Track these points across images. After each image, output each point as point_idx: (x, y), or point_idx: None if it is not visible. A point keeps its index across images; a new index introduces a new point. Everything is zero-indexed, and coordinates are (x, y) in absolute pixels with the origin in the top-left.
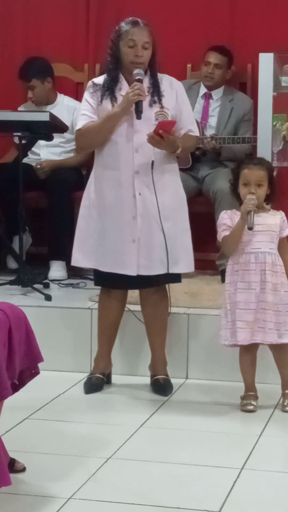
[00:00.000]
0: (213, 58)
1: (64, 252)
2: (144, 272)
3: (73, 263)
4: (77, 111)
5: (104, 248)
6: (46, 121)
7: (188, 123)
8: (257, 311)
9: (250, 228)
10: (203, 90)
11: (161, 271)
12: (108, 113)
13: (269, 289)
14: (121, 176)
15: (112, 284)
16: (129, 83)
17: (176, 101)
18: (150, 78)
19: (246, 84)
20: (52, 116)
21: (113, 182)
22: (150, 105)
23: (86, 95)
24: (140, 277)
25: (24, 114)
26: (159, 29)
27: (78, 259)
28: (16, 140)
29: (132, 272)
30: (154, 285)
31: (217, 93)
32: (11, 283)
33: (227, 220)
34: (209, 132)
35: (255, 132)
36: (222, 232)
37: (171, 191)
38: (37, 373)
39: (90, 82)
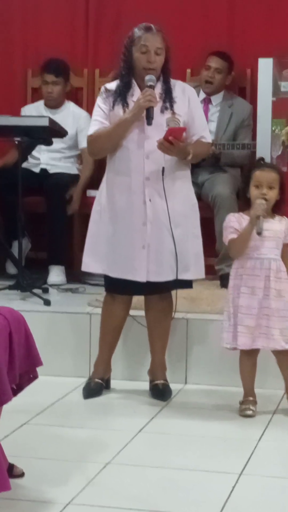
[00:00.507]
0: (214, 62)
1: (63, 257)
2: (154, 278)
3: (84, 268)
4: (82, 119)
5: (114, 254)
6: (45, 126)
7: (200, 129)
8: (259, 316)
9: (259, 233)
10: (202, 95)
11: (171, 277)
12: (119, 119)
13: (273, 296)
14: (132, 182)
15: (122, 290)
16: (142, 89)
17: (188, 107)
18: (162, 84)
19: (245, 89)
20: (51, 121)
21: (124, 188)
22: (162, 111)
23: (99, 101)
24: (150, 283)
25: (23, 119)
26: None
27: (89, 264)
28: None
29: (142, 278)
30: (165, 291)
31: (216, 98)
32: (10, 288)
33: (234, 223)
34: None
35: (254, 137)
36: (229, 235)
37: (182, 198)
38: (35, 377)
39: (102, 88)
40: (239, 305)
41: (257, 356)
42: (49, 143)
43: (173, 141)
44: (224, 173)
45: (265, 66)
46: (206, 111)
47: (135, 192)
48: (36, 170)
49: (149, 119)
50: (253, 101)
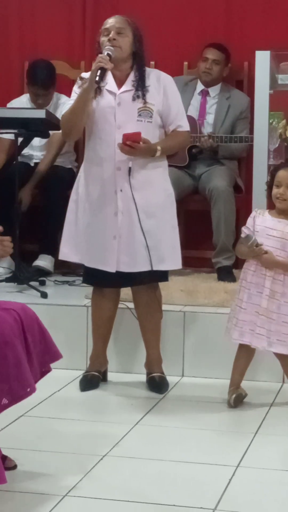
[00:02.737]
0: (211, 54)
1: (54, 247)
2: (125, 269)
3: (61, 257)
4: (62, 105)
5: (88, 244)
6: (42, 118)
7: (177, 118)
8: (251, 313)
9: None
10: (200, 87)
11: (144, 268)
12: (79, 92)
13: (265, 295)
14: (104, 172)
15: (98, 281)
16: (115, 76)
17: (163, 96)
18: (135, 72)
19: (242, 82)
20: (48, 113)
21: (97, 178)
22: (134, 100)
23: (75, 88)
24: (125, 274)
25: (20, 111)
26: (155, 27)
27: (66, 253)
28: (8, 136)
29: (112, 269)
30: (139, 283)
31: (214, 90)
32: (7, 280)
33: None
34: (207, 129)
35: (252, 129)
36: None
37: (156, 188)
38: (48, 371)
39: (78, 77)
40: (237, 297)
41: (254, 350)
42: (46, 135)
43: (132, 145)
44: (221, 166)
45: (262, 59)
46: (204, 104)
47: (107, 182)
48: (31, 163)
49: (98, 77)
50: (250, 94)
